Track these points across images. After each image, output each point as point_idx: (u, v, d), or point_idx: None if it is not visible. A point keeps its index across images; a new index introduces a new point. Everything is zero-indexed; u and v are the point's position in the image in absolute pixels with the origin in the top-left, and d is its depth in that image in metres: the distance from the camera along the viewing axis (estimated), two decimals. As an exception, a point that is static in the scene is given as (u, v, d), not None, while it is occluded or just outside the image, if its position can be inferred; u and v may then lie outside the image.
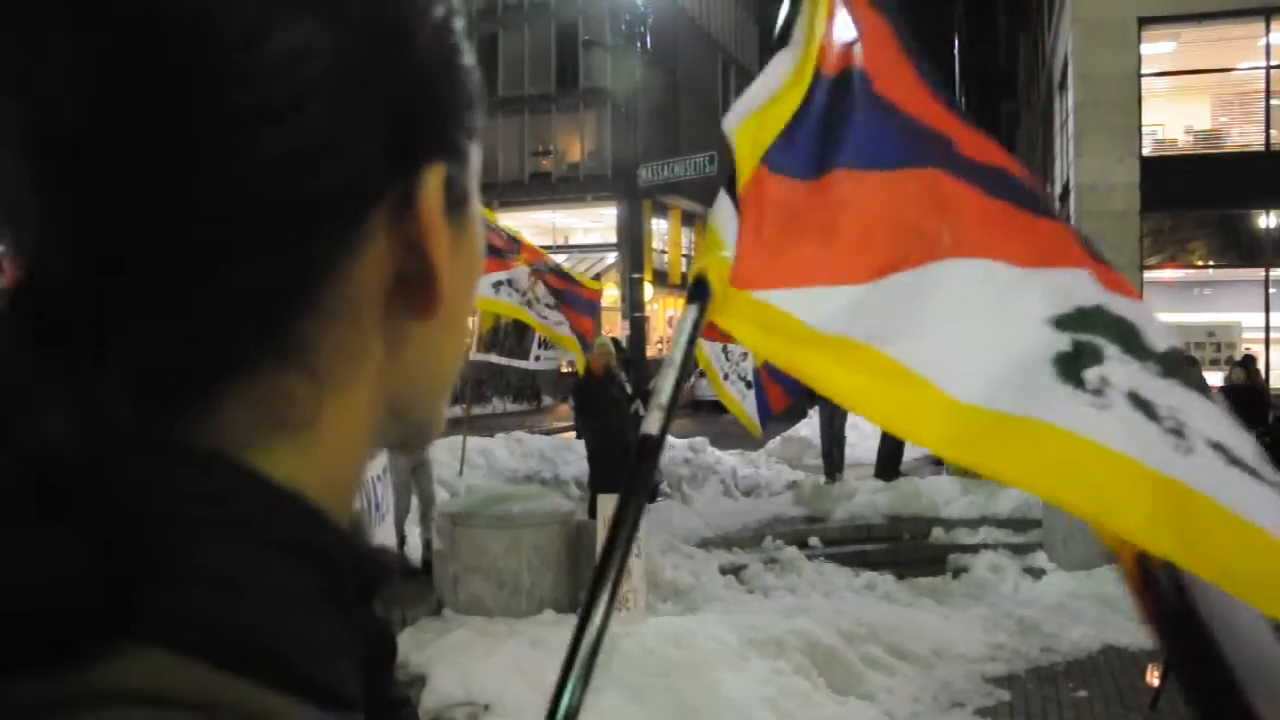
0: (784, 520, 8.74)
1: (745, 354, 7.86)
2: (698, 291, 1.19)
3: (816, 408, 10.24)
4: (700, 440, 11.74)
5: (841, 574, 7.53)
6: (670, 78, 30.90)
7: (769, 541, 8.11)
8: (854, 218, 1.30)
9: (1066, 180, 15.61)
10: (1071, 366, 1.20)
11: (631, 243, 11.90)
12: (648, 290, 15.01)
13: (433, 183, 0.37)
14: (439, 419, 0.42)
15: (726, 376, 7.77)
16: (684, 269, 36.61)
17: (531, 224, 34.38)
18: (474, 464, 9.72)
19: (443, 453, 9.78)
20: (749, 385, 7.84)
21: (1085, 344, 1.23)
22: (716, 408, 13.29)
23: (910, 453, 10.38)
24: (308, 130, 0.33)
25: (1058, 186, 17.65)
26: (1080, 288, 1.29)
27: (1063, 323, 1.25)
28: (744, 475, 10.82)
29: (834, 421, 10.01)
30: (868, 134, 1.34)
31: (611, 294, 30.74)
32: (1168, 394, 1.20)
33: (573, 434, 13.53)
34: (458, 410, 9.49)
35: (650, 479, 0.90)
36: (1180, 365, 1.24)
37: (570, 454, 11.14)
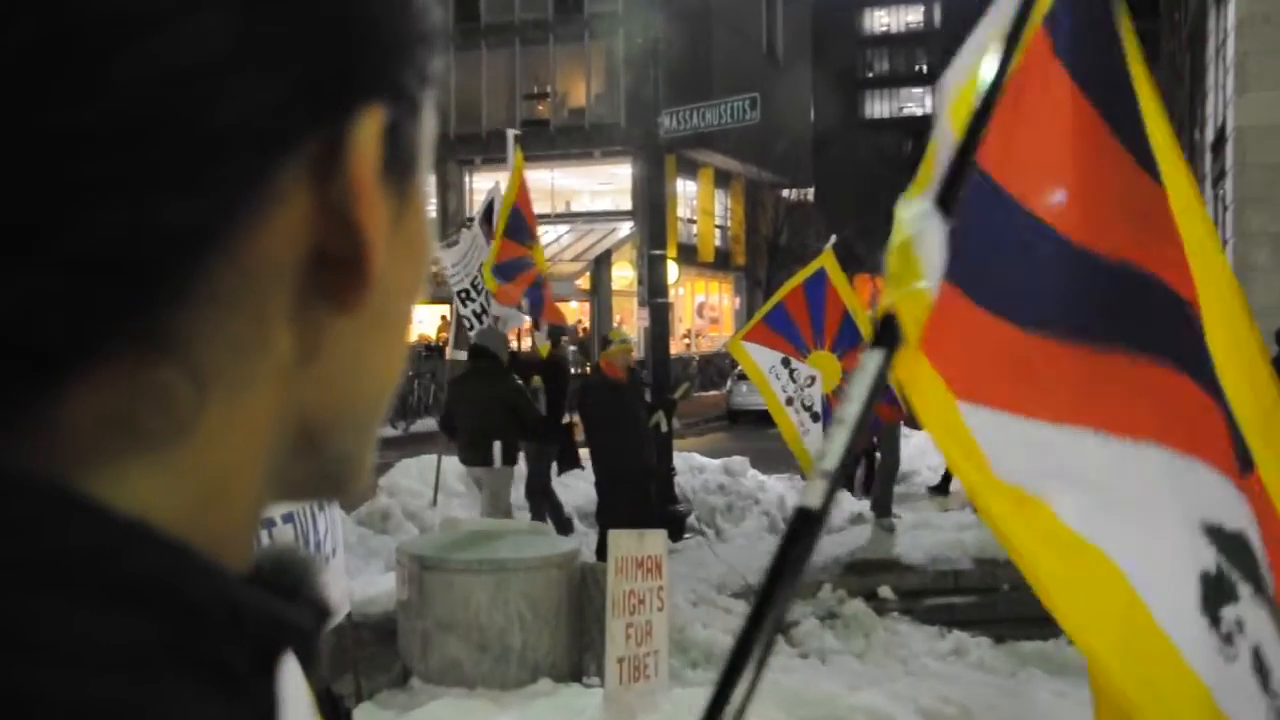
0: (847, 564, 8.74)
1: (813, 376, 7.89)
2: (885, 334, 1.19)
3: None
4: (739, 461, 11.74)
5: (922, 635, 7.51)
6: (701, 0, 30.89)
7: (828, 591, 8.11)
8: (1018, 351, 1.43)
9: (1222, 123, 15.34)
10: (1213, 596, 1.39)
11: (651, 210, 11.91)
12: (671, 270, 14.98)
13: (367, 131, 0.37)
14: (364, 456, 0.42)
15: (790, 402, 7.82)
16: (718, 243, 36.71)
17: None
18: (452, 491, 9.76)
19: (411, 477, 9.84)
20: (815, 418, 7.86)
21: (1227, 573, 1.41)
22: (760, 419, 13.33)
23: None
24: (192, 42, 0.32)
25: (1209, 131, 17.26)
26: (1228, 503, 1.46)
27: (1213, 535, 1.42)
28: (795, 506, 10.77)
29: (884, 442, 10.00)
30: (999, 269, 1.45)
31: (625, 274, 30.91)
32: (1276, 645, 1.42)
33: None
34: (431, 423, 9.54)
35: (805, 561, 0.93)
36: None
37: (572, 478, 11.13)
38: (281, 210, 0.35)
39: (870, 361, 1.17)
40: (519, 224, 9.25)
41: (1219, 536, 1.44)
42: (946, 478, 12.10)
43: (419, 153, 0.40)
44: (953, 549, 8.88)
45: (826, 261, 8.20)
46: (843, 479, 1.11)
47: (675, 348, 24.62)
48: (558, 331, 9.57)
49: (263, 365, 0.36)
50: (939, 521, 9.54)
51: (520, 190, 9.30)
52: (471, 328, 8.96)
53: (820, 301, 8.04)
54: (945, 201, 1.25)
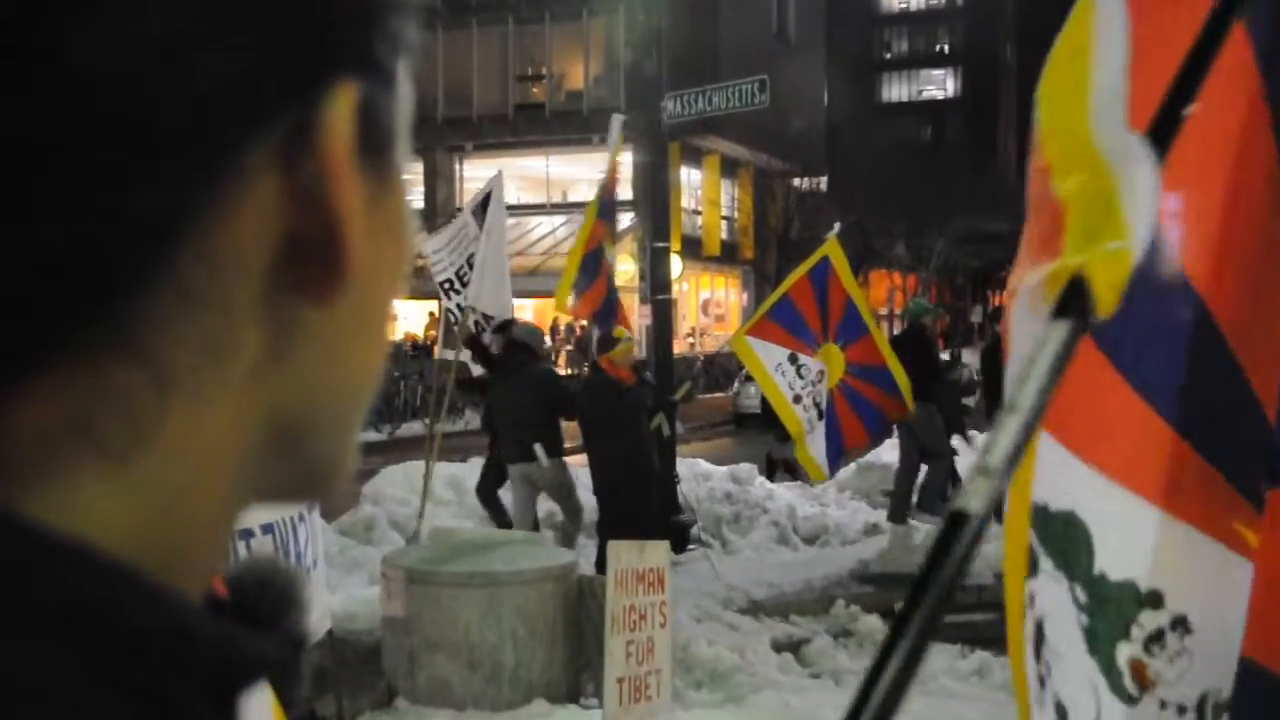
0: (862, 578, 8.72)
1: (822, 371, 7.88)
2: (1073, 303, 1.04)
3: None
4: (747, 468, 11.74)
5: (942, 654, 7.49)
6: (706, -25, 30.87)
7: (840, 607, 8.10)
8: None
9: None
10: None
11: (654, 200, 11.90)
12: (675, 264, 14.98)
13: (340, 109, 0.36)
14: (346, 457, 0.41)
15: (798, 399, 7.82)
16: (724, 235, 36.72)
17: (517, 174, 34.56)
18: (440, 499, 9.76)
19: (396, 484, 9.83)
20: (821, 415, 7.86)
21: (1034, 549, 1.65)
22: (770, 423, 13.37)
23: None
24: (153, 13, 0.32)
25: None
26: (1066, 483, 1.68)
27: (1036, 514, 1.69)
28: (806, 516, 10.81)
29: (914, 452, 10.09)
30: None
31: (625, 269, 30.90)
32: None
33: (575, 457, 13.58)
34: (418, 427, 9.51)
35: (959, 574, 0.82)
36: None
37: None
38: (250, 194, 0.35)
39: (1053, 336, 1.00)
40: (607, 211, 9.36)
41: (1041, 515, 1.64)
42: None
43: (396, 129, 0.40)
44: (975, 564, 8.85)
45: (830, 250, 8.19)
46: (1008, 479, 1.01)
47: (678, 347, 24.57)
48: (507, 326, 9.39)
49: (231, 364, 0.36)
50: None
51: (613, 179, 9.39)
52: (456, 322, 8.91)
53: (825, 292, 8.04)
54: (1161, 139, 1.07)
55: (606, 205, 9.39)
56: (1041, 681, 1.59)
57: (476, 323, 8.70)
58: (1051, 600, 1.61)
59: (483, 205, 9.27)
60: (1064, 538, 1.63)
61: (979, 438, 10.98)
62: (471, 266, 8.66)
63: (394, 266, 0.41)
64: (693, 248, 32.05)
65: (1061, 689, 1.56)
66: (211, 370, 0.35)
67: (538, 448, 7.90)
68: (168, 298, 0.34)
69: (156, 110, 0.32)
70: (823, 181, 40.31)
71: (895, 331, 13.91)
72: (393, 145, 0.40)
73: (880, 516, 10.97)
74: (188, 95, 0.33)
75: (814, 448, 7.93)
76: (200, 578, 0.37)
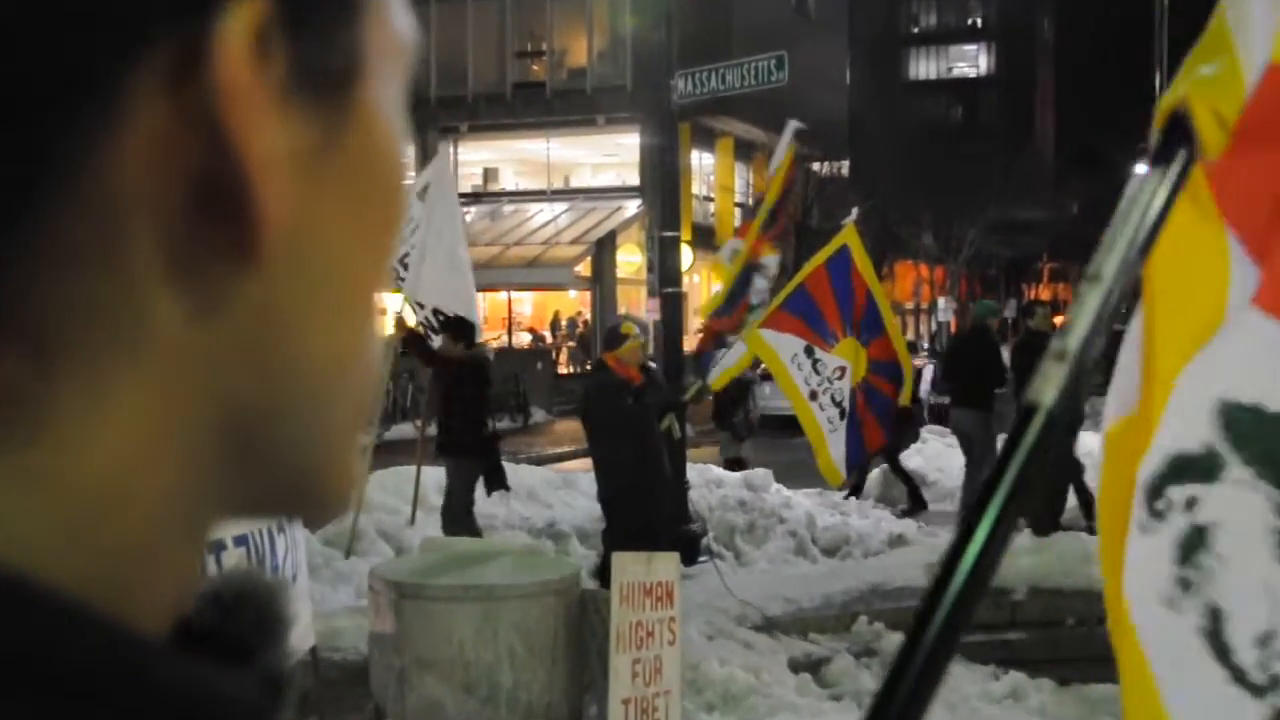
0: (886, 593, 8.71)
1: (843, 368, 7.88)
2: (1173, 140, 0.96)
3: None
4: (762, 474, 11.75)
5: (973, 675, 7.49)
6: (719, -57, 30.87)
7: (863, 624, 8.10)
8: None
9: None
10: (1168, 475, 1.50)
11: (662, 186, 11.91)
12: (685, 255, 14.93)
13: (238, 23, 0.33)
14: (333, 467, 0.39)
15: (814, 396, 7.82)
16: (738, 223, 36.70)
17: (516, 157, 34.66)
18: (431, 506, 9.77)
19: (386, 491, 9.84)
20: (843, 414, 7.87)
21: (1216, 450, 1.48)
22: (786, 425, 13.39)
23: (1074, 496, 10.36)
24: None
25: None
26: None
27: (1225, 412, 1.48)
28: (826, 526, 10.82)
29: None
30: None
31: (632, 260, 30.94)
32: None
33: (577, 462, 13.61)
34: (409, 429, 9.50)
35: (1042, 456, 0.73)
36: None
37: (573, 492, 11.15)
38: (136, 126, 0.32)
39: (1145, 188, 0.92)
40: (772, 223, 9.25)
41: (1235, 413, 1.48)
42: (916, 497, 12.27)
43: (354, 63, 0.37)
44: (1008, 576, 8.85)
45: (849, 237, 8.18)
46: (1087, 377, 0.89)
47: (689, 344, 24.17)
48: (459, 323, 9.37)
49: (137, 335, 0.33)
50: None
51: (785, 185, 9.21)
52: (423, 324, 8.95)
53: (846, 283, 8.03)
54: None
55: (774, 216, 9.24)
56: (1185, 586, 1.55)
57: (426, 319, 8.73)
58: (1234, 505, 1.53)
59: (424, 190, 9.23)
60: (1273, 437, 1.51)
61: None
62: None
63: (364, 232, 0.38)
64: (704, 237, 32.00)
65: (1223, 596, 1.54)
66: (108, 343, 0.33)
67: None
68: (40, 257, 0.31)
69: (15, 30, 0.30)
70: (844, 166, 40.31)
71: (925, 327, 13.87)
72: (348, 82, 0.37)
73: (905, 527, 10.99)
74: (45, 14, 0.30)
75: (835, 451, 7.93)
76: (158, 608, 0.35)
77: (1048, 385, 0.82)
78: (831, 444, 7.91)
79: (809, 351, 7.83)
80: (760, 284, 8.87)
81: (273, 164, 0.34)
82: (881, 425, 8.12)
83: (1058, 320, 14.27)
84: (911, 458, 13.57)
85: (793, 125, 9.21)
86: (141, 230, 0.33)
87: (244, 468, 0.36)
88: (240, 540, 3.47)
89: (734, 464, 13.35)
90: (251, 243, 0.34)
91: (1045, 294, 49.33)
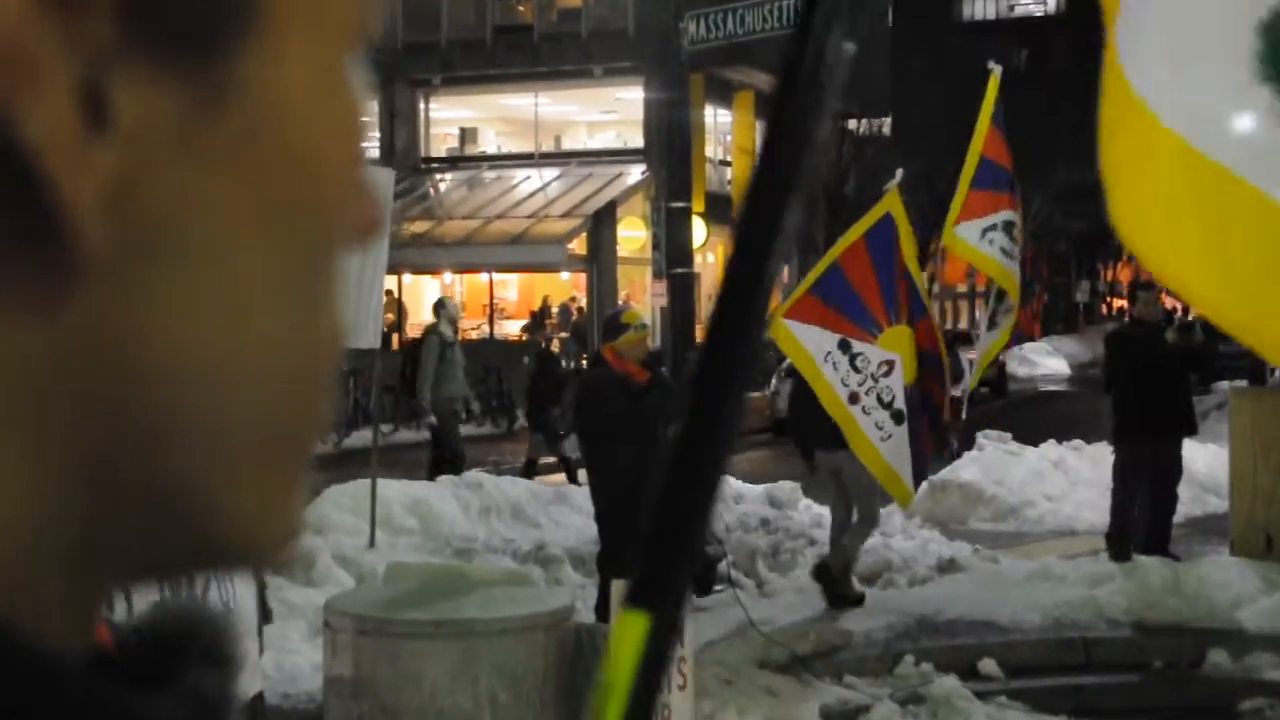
0: (935, 628, 8.74)
1: (890, 362, 7.77)
2: None
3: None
4: (788, 488, 11.74)
5: (1040, 726, 7.49)
6: None
7: (909, 665, 8.12)
8: None
9: None
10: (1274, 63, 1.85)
11: (671, 149, 11.91)
12: (698, 230, 14.90)
13: None
14: (255, 495, 0.38)
15: (855, 399, 7.71)
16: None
17: (498, 115, 34.63)
18: (398, 527, 9.80)
19: (344, 508, 9.85)
20: (898, 417, 7.74)
21: None
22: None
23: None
24: None
25: None
26: None
27: None
28: (864, 548, 10.77)
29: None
30: None
31: (635, 235, 30.90)
32: None
33: (566, 476, 13.59)
34: (369, 436, 9.50)
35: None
36: None
37: (565, 509, 11.13)
38: None
39: None
40: (992, 174, 9.32)
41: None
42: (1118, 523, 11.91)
43: (233, 16, 0.36)
44: (1083, 608, 8.85)
45: (892, 205, 8.12)
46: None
47: (701, 334, 23.96)
48: (437, 306, 9.50)
49: None
50: (1062, 570, 9.51)
51: (989, 136, 9.30)
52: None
53: (889, 259, 7.92)
54: None
55: (988, 172, 9.32)
56: None
57: None
58: None
59: None
60: None
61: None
62: None
63: (269, 213, 0.37)
64: (719, 208, 31.96)
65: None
66: None
67: None
68: None
69: None
70: (886, 124, 40.21)
71: (980, 314, 13.85)
72: (221, 50, 0.36)
73: (958, 549, 10.93)
74: None
75: (895, 460, 7.80)
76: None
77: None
78: (888, 454, 7.77)
79: (844, 346, 7.72)
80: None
81: (82, 164, 0.33)
82: (931, 422, 8.08)
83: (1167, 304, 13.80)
84: (966, 467, 13.47)
85: (996, 66, 9.22)
86: None
87: (126, 517, 0.36)
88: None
89: (531, 466, 13.62)
90: (68, 261, 0.34)
91: (1124, 274, 49.23)
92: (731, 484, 11.75)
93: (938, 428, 8.38)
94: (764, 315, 0.55)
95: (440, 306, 13.36)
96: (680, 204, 11.26)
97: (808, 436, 9.17)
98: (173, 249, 0.35)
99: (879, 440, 7.68)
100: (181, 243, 0.35)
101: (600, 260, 31.20)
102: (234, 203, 0.37)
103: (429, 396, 12.79)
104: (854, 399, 7.72)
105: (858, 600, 9.09)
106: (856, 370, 7.72)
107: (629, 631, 0.55)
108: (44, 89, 0.32)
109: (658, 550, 0.54)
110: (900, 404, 7.80)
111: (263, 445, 0.38)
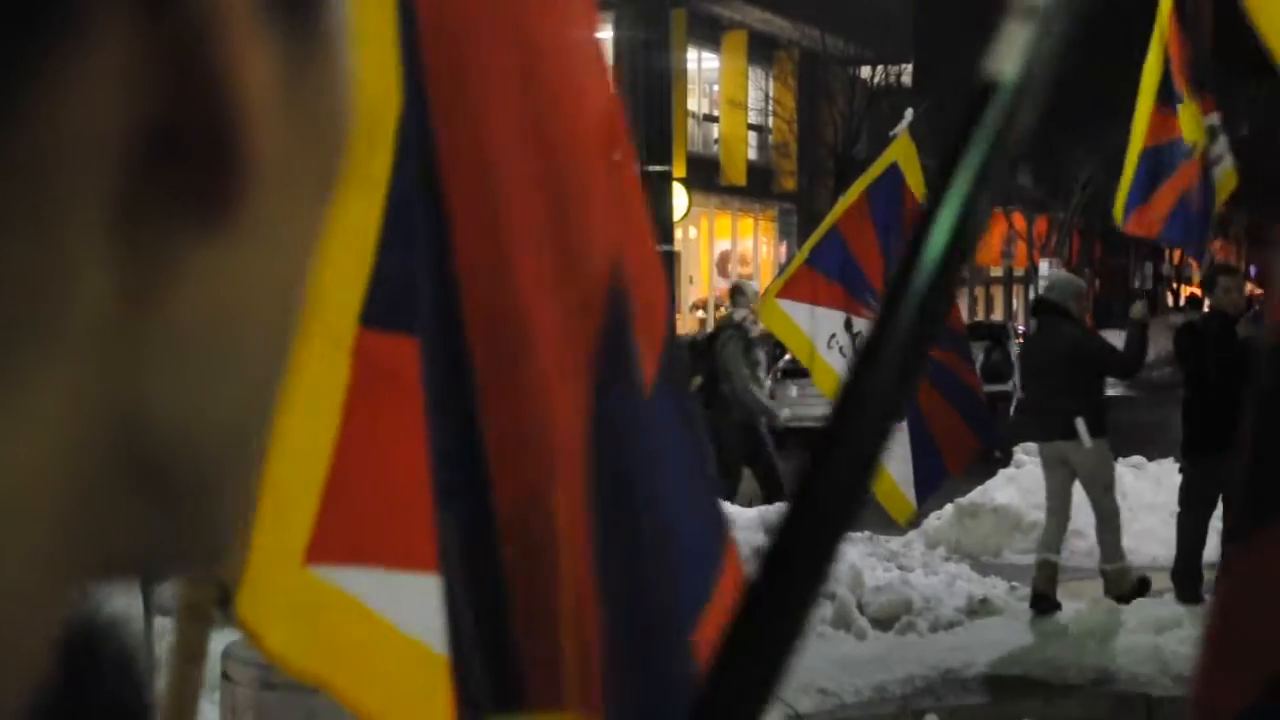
0: (963, 682, 8.90)
1: None
2: None
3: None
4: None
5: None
6: None
7: (932, 726, 8.17)
8: None
9: None
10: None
11: (647, 100, 11.98)
12: (679, 198, 14.94)
13: None
14: (239, 497, 0.40)
15: None
16: (753, 155, 37.06)
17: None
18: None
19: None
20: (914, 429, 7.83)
21: None
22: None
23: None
24: None
25: None
26: None
27: None
28: (878, 585, 10.91)
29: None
30: None
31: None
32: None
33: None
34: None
35: (1001, 141, 0.87)
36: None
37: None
38: (90, 59, 0.34)
39: None
40: (1167, 87, 9.58)
41: None
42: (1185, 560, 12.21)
43: None
44: (1145, 661, 8.92)
45: (899, 152, 8.19)
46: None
47: (685, 324, 25.02)
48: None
49: (60, 320, 0.35)
50: (1119, 614, 9.65)
51: (1173, 35, 9.61)
52: None
53: (894, 213, 7.96)
54: None
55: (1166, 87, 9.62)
56: None
57: None
58: None
59: None
60: None
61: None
62: None
63: (316, 179, 0.40)
64: (705, 173, 32.25)
65: None
66: (29, 330, 0.35)
67: (1079, 424, 9.70)
68: None
69: None
70: (905, 72, 40.61)
71: (1019, 302, 14.02)
72: (316, 6, 0.39)
73: (991, 586, 11.02)
74: None
75: (895, 468, 7.91)
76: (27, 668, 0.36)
77: (1011, 50, 0.88)
78: (893, 468, 7.90)
79: (849, 325, 7.80)
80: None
81: (261, 103, 0.36)
82: (969, 423, 8.08)
83: (1252, 292, 14.38)
84: (1001, 488, 13.59)
85: None
86: (85, 187, 0.35)
87: (129, 494, 0.37)
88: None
89: None
90: (229, 201, 0.36)
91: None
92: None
93: (980, 420, 8.38)
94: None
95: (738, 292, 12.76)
96: (658, 167, 11.37)
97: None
98: (266, 228, 0.38)
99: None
100: (275, 221, 0.38)
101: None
102: (303, 174, 0.39)
103: None
104: None
105: (1144, 585, 10.41)
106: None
107: None
108: (248, 38, 0.36)
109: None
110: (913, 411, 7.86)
111: (261, 444, 0.41)
